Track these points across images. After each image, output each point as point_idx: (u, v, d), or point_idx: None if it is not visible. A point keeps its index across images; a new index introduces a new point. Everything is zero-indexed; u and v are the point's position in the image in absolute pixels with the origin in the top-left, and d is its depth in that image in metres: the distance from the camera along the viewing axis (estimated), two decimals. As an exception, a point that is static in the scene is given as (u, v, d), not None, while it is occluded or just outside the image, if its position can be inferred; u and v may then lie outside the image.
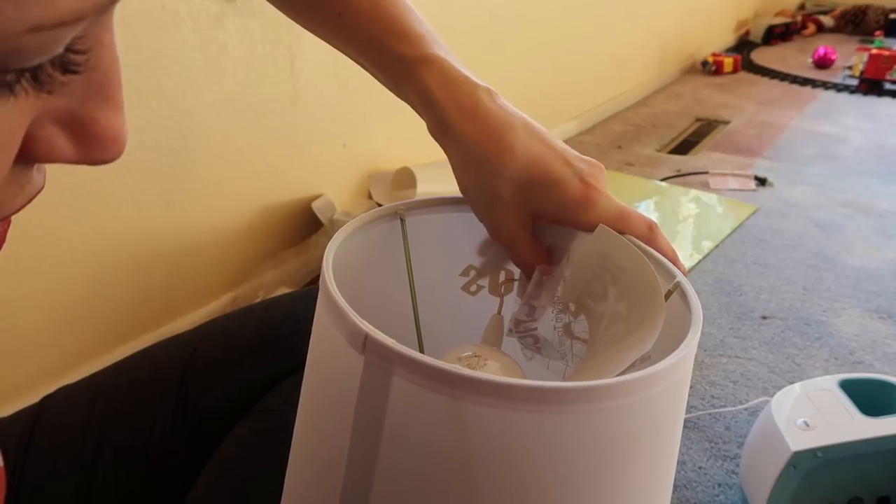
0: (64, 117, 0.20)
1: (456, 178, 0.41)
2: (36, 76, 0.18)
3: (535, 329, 0.42)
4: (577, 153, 0.39)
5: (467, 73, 0.40)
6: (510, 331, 0.42)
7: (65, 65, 0.19)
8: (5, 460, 0.33)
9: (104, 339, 1.09)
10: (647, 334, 0.32)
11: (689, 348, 0.29)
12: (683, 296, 0.34)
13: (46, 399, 0.54)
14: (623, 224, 0.38)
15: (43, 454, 0.50)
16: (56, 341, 1.02)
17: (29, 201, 0.22)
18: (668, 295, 0.35)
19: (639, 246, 0.38)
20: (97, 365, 0.65)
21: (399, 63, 0.40)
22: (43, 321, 1.00)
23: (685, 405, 0.32)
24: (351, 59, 0.44)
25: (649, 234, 0.39)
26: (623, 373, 0.33)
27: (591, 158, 0.40)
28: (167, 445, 0.51)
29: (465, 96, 0.39)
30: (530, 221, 0.40)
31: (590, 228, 0.38)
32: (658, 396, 0.28)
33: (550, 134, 0.40)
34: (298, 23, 0.45)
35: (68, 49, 0.18)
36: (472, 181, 0.40)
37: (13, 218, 0.23)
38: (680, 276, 0.35)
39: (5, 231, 0.23)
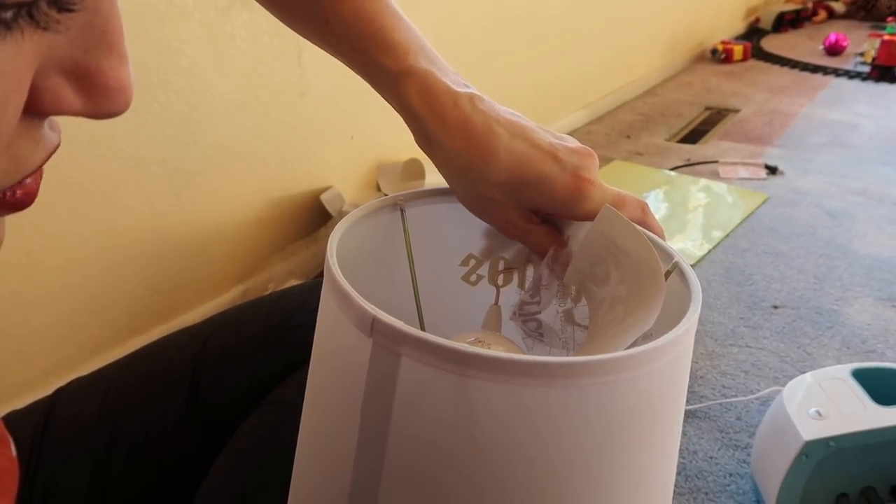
0: (69, 67, 0.20)
1: (450, 186, 0.41)
2: (32, 14, 0.18)
3: (538, 313, 0.42)
4: (567, 144, 0.39)
5: (449, 82, 0.39)
6: (514, 314, 0.42)
7: (60, 3, 0.19)
8: (19, 452, 0.33)
9: (116, 332, 1.09)
10: (647, 313, 0.33)
11: (689, 323, 0.30)
12: (682, 275, 0.35)
13: (60, 391, 0.55)
14: (619, 209, 0.38)
15: (57, 445, 0.51)
16: (68, 335, 1.03)
17: (47, 158, 0.22)
18: (666, 275, 0.35)
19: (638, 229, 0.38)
20: (109, 358, 0.65)
21: (382, 74, 0.41)
22: (55, 315, 1.00)
23: (687, 381, 0.33)
24: (340, 61, 0.44)
25: (643, 216, 0.39)
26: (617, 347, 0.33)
27: (581, 147, 0.39)
28: (180, 436, 0.52)
29: (446, 108, 0.39)
30: (533, 215, 0.40)
31: (587, 220, 0.38)
32: (660, 371, 0.28)
33: (539, 129, 0.39)
34: (291, 28, 0.46)
35: None
36: (462, 190, 0.40)
37: (21, 213, 0.23)
38: (678, 256, 0.35)
39: (37, 186, 0.23)
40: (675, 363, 0.30)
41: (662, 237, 0.39)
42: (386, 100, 0.42)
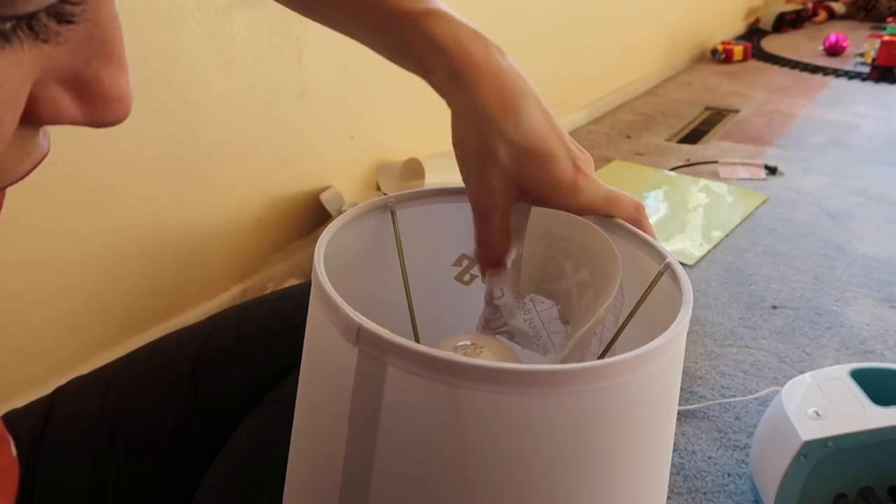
0: (68, 77, 0.20)
1: (454, 131, 0.40)
2: (31, 25, 0.18)
3: (505, 325, 0.42)
4: (572, 139, 0.39)
5: (476, 27, 0.39)
6: (481, 327, 0.42)
7: (60, 15, 0.19)
8: (19, 451, 0.34)
9: (115, 331, 1.09)
10: (609, 288, 0.33)
11: (680, 327, 0.29)
12: (674, 276, 0.34)
13: (59, 390, 0.55)
14: (613, 207, 0.38)
15: (56, 444, 0.51)
16: (68, 334, 1.03)
17: (34, 167, 0.22)
18: (658, 276, 0.35)
19: (627, 227, 0.38)
20: (109, 357, 0.65)
21: (403, 19, 0.39)
22: (55, 314, 1.00)
23: (678, 385, 0.32)
24: (350, 33, 0.43)
25: (637, 216, 0.39)
26: (592, 326, 0.33)
27: (582, 148, 0.40)
28: (179, 435, 0.52)
29: (477, 47, 0.38)
30: (515, 194, 0.39)
31: (573, 212, 0.38)
32: (651, 375, 0.28)
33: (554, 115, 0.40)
34: (296, 7, 0.45)
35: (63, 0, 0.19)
36: (472, 135, 0.39)
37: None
38: (670, 257, 0.35)
39: (1, 199, 0.23)
40: (666, 367, 0.29)
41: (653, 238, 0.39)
42: (404, 53, 0.41)
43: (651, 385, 0.29)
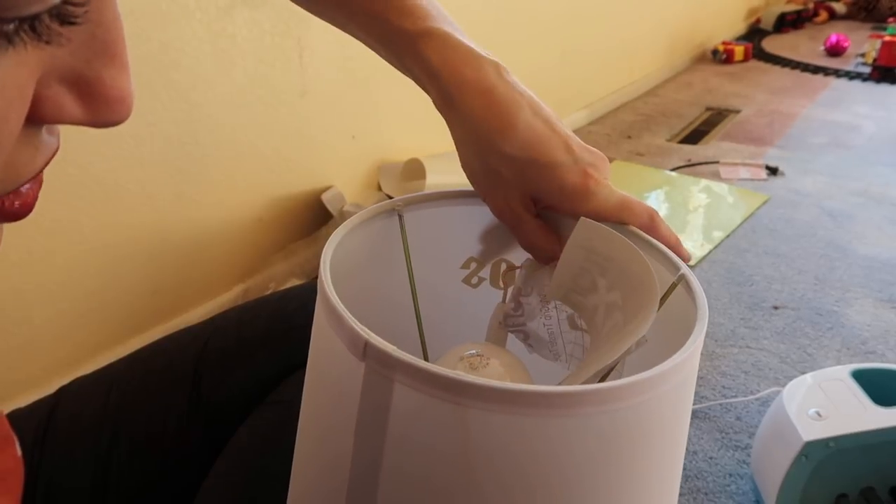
0: (70, 77, 0.20)
1: (458, 153, 0.40)
2: (34, 27, 0.18)
3: (524, 325, 0.41)
4: (581, 142, 0.39)
5: (473, 46, 0.39)
6: (500, 323, 0.42)
7: (63, 16, 0.19)
8: (23, 450, 0.34)
9: (117, 331, 1.10)
10: (642, 319, 0.32)
11: (694, 346, 0.29)
12: (688, 288, 0.33)
13: (63, 389, 0.55)
14: (624, 214, 0.38)
15: (59, 444, 0.51)
16: (70, 333, 1.03)
17: (47, 163, 0.22)
18: (672, 287, 0.34)
19: (640, 235, 0.37)
20: (111, 356, 0.65)
21: (401, 38, 0.40)
22: (57, 313, 1.00)
23: (691, 402, 0.32)
24: (353, 36, 0.43)
25: (651, 224, 0.38)
26: (621, 358, 0.32)
27: (595, 149, 0.39)
28: (181, 436, 0.52)
29: (469, 70, 0.38)
30: (531, 203, 0.39)
31: (588, 218, 0.37)
32: (664, 396, 0.28)
33: (558, 118, 0.39)
34: (300, 3, 0.45)
35: (65, 1, 0.18)
36: (473, 157, 0.39)
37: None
38: (684, 269, 0.34)
39: (35, 197, 0.23)
40: (681, 385, 0.29)
41: (676, 244, 0.38)
42: (403, 68, 0.41)
43: (666, 404, 0.28)
